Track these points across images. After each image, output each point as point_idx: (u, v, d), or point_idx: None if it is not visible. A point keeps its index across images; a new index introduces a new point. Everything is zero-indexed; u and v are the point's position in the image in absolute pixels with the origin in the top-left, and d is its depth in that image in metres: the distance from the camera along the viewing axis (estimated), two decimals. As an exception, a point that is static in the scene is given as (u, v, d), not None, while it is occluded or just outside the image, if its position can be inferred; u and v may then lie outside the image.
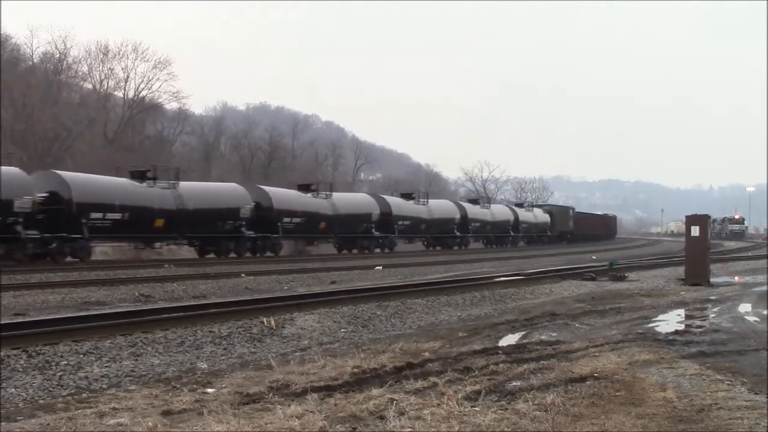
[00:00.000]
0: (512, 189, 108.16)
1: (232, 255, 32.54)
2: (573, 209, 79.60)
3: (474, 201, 59.24)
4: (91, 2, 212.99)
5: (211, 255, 32.48)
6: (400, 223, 43.33)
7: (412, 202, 46.22)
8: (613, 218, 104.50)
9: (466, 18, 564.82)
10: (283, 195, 36.71)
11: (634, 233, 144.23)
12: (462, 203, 55.23)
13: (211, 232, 31.86)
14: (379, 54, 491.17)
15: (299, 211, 36.12)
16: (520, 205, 65.11)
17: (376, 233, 41.18)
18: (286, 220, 35.15)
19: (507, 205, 63.44)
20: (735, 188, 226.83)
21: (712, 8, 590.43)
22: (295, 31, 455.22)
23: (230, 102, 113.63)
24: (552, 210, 70.06)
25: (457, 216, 50.00)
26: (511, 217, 58.11)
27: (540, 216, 64.91)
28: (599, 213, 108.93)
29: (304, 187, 38.87)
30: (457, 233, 49.12)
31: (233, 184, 36.31)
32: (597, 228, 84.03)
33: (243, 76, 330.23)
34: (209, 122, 77.42)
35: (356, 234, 40.57)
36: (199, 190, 32.78)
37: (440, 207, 49.70)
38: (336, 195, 40.30)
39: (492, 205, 58.22)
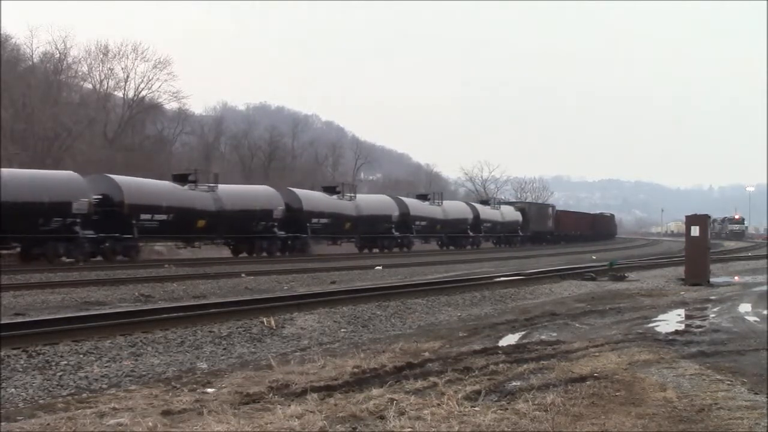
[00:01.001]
0: (512, 189, 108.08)
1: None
2: (553, 207, 74.02)
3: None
4: (91, 2, 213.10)
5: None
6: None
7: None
8: (610, 217, 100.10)
9: (467, 18, 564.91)
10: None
11: (634, 233, 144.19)
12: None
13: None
14: (380, 54, 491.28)
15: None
16: (485, 202, 58.51)
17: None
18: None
19: (466, 202, 56.64)
20: (735, 188, 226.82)
21: (712, 8, 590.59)
22: (295, 31, 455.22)
23: (230, 102, 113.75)
24: (525, 207, 63.54)
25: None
26: (470, 215, 51.85)
27: (509, 214, 58.53)
28: (589, 212, 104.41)
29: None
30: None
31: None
32: (584, 228, 79.21)
33: (243, 76, 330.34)
34: (209, 122, 77.40)
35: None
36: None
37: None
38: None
39: (444, 202, 50.78)
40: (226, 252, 34.92)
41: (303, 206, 36.38)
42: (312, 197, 38.47)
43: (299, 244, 36.14)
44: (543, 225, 64.48)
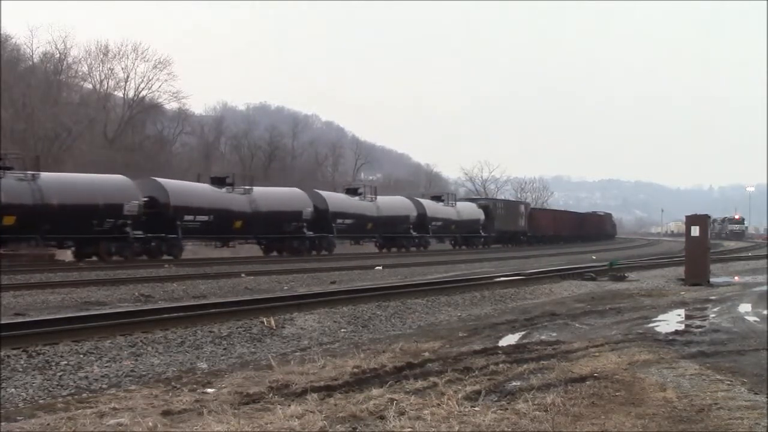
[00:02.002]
0: (512, 189, 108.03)
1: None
2: (526, 204, 68.13)
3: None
4: (91, 2, 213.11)
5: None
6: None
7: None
8: (605, 217, 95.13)
9: (467, 18, 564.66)
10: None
11: (634, 233, 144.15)
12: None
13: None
14: (380, 54, 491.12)
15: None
16: (437, 198, 50.64)
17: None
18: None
19: (409, 197, 48.67)
20: (735, 188, 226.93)
21: (712, 8, 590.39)
22: (295, 31, 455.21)
23: (230, 102, 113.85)
24: (488, 205, 56.20)
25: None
26: (412, 212, 45.24)
27: (468, 211, 51.63)
28: (574, 211, 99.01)
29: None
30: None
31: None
32: (569, 228, 72.58)
33: (243, 76, 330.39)
34: (209, 122, 77.43)
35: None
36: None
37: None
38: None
39: (379, 198, 44.26)
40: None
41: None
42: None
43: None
44: (513, 224, 58.42)
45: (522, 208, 62.69)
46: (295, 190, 38.87)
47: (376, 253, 41.00)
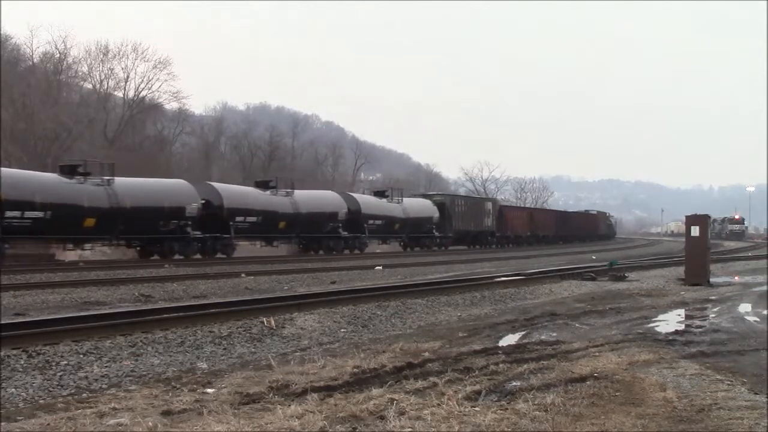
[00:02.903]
0: (512, 189, 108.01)
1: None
2: (494, 201, 61.57)
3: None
4: (91, 2, 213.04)
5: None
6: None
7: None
8: (598, 216, 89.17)
9: (467, 18, 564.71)
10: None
11: (634, 233, 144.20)
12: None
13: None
14: (380, 54, 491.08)
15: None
16: (380, 193, 44.50)
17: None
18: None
19: (341, 192, 43.49)
20: (735, 188, 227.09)
21: (712, 8, 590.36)
22: (295, 31, 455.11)
23: (230, 102, 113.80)
24: (444, 201, 49.13)
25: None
26: (340, 208, 39.10)
27: (417, 209, 45.38)
28: (560, 210, 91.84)
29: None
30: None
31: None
32: (549, 228, 66.93)
33: (243, 76, 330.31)
34: (209, 122, 77.46)
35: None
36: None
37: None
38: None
39: (296, 192, 38.45)
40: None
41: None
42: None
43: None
44: (476, 223, 52.31)
45: (488, 205, 56.61)
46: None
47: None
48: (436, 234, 46.41)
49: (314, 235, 37.49)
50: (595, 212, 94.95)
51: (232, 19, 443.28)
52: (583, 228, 78.94)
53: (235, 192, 34.71)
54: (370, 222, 39.99)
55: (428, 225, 45.87)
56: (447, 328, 10.86)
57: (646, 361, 7.68)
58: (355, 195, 41.15)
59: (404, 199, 40.43)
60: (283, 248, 37.59)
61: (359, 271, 23.32)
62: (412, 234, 44.81)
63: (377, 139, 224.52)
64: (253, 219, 33.56)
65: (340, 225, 38.45)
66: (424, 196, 52.52)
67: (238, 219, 32.87)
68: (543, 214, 72.39)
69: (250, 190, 35.82)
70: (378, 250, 41.26)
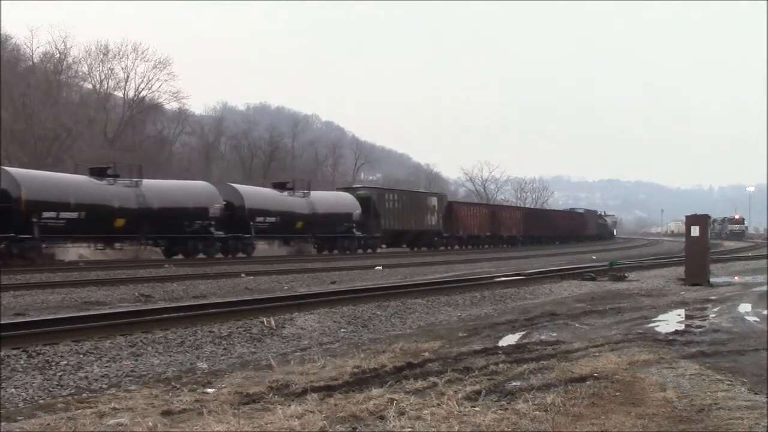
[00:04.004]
0: (512, 189, 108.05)
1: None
2: (440, 196, 53.01)
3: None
4: (91, 2, 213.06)
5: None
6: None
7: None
8: (585, 216, 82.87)
9: (467, 19, 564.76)
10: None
11: (633, 233, 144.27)
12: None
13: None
14: (380, 54, 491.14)
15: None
16: (280, 185, 38.17)
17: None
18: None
19: (224, 184, 37.26)
20: (735, 188, 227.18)
21: (712, 8, 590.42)
22: (295, 31, 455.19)
23: (230, 102, 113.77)
24: (370, 196, 42.84)
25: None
26: (212, 203, 32.78)
27: (328, 204, 39.24)
28: (525, 206, 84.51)
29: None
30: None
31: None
32: (516, 227, 60.94)
33: (243, 76, 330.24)
34: (209, 122, 77.50)
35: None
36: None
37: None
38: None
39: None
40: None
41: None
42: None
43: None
44: (416, 222, 46.40)
45: (432, 201, 49.24)
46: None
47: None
48: (357, 233, 39.95)
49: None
50: (582, 210, 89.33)
51: (232, 19, 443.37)
52: (566, 228, 73.00)
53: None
54: (259, 219, 34.12)
55: (346, 223, 39.64)
56: (447, 328, 10.86)
57: (646, 361, 7.68)
58: (237, 186, 35.44)
59: (314, 192, 38.23)
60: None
61: (359, 271, 23.34)
62: (322, 233, 38.17)
63: (377, 139, 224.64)
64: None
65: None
66: (346, 189, 45.15)
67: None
68: (508, 211, 64.78)
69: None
70: (277, 253, 36.10)
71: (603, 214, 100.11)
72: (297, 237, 37.21)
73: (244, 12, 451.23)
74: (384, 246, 44.13)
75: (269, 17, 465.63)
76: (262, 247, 36.73)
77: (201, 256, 31.47)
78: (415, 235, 47.04)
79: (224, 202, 32.40)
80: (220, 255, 32.11)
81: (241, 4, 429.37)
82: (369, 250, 40.73)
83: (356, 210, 40.46)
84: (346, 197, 41.72)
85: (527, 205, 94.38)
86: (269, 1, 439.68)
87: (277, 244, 37.38)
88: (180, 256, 30.92)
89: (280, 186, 37.48)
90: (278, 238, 36.74)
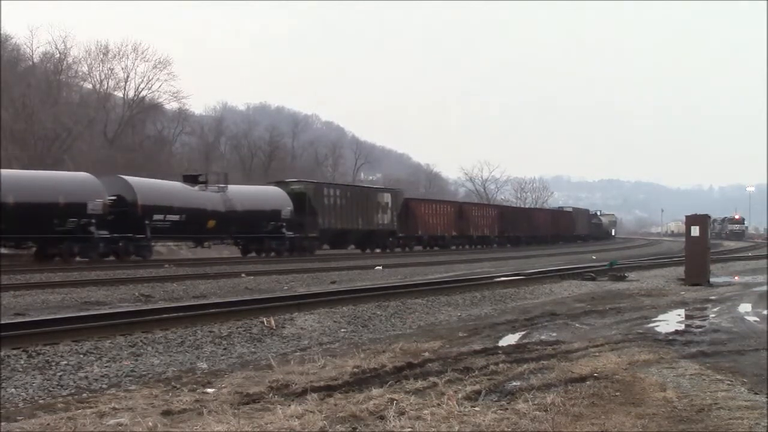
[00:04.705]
0: (512, 189, 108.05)
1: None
2: (395, 192, 48.07)
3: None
4: (91, 2, 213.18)
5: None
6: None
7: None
8: (573, 215, 77.64)
9: (466, 19, 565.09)
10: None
11: (634, 233, 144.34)
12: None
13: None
14: (379, 54, 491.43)
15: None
16: (191, 179, 33.52)
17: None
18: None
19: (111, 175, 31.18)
20: (735, 188, 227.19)
21: (711, 8, 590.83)
22: (295, 31, 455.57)
23: (230, 102, 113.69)
24: (305, 191, 37.86)
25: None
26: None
27: (252, 199, 34.51)
28: (498, 204, 78.08)
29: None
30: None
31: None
32: (487, 227, 56.25)
33: (243, 76, 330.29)
34: (209, 122, 77.50)
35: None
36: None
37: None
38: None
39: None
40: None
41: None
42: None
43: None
44: (364, 221, 41.77)
45: (385, 197, 44.25)
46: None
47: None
48: (288, 234, 35.01)
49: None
50: (570, 209, 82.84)
51: (233, 19, 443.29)
52: (550, 228, 68.56)
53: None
54: (158, 218, 29.58)
55: (273, 221, 34.65)
56: (447, 328, 10.87)
57: (646, 361, 7.68)
58: (128, 178, 30.32)
59: (233, 187, 33.65)
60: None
61: (359, 271, 23.35)
62: (242, 233, 33.86)
63: (377, 139, 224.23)
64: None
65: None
66: (278, 183, 39.43)
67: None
68: (480, 209, 59.78)
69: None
70: (187, 257, 32.53)
71: (598, 213, 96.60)
72: (209, 237, 32.76)
73: (245, 12, 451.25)
74: (326, 247, 40.27)
75: (269, 17, 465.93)
76: (163, 249, 33.99)
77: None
78: (364, 235, 42.39)
79: (113, 198, 28.07)
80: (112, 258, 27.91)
81: (241, 4, 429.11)
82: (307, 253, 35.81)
83: (287, 207, 35.31)
84: (274, 192, 36.52)
85: (527, 206, 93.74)
86: (269, 1, 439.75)
87: (186, 246, 34.00)
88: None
89: (191, 179, 32.74)
90: (185, 239, 32.96)
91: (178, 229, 30.90)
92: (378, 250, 42.48)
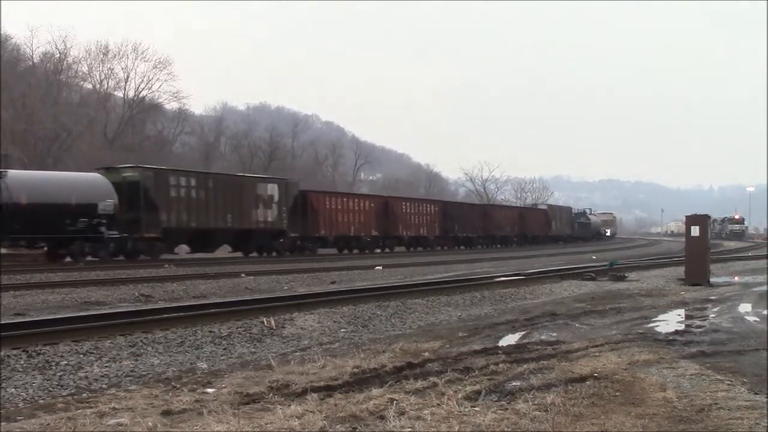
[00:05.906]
0: (512, 189, 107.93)
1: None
2: (287, 184, 37.41)
3: None
4: (91, 2, 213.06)
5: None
6: None
7: None
8: (549, 212, 68.86)
9: (466, 18, 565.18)
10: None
11: (634, 233, 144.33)
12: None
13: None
14: (379, 54, 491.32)
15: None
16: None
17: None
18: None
19: None
20: (735, 188, 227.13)
21: (711, 8, 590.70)
22: (295, 31, 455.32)
23: (230, 102, 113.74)
24: (141, 179, 29.53)
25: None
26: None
27: (46, 190, 26.17)
28: (438, 198, 62.31)
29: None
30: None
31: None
32: (423, 226, 47.34)
33: (243, 76, 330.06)
34: (209, 122, 77.56)
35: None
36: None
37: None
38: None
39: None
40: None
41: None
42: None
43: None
44: (233, 218, 33.35)
45: (269, 189, 35.65)
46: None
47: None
48: (107, 233, 27.05)
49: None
50: (545, 206, 73.22)
51: (233, 19, 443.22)
52: (516, 227, 60.34)
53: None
54: None
55: (85, 218, 26.51)
56: (447, 328, 10.87)
57: (646, 361, 7.68)
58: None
59: (19, 172, 26.33)
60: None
61: (359, 271, 23.36)
62: (30, 233, 25.28)
63: (377, 139, 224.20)
64: None
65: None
66: (107, 169, 30.28)
67: None
68: (413, 204, 48.55)
69: None
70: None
71: (588, 211, 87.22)
72: None
73: (245, 12, 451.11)
74: (176, 252, 32.39)
75: (269, 17, 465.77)
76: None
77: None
78: (237, 236, 34.38)
79: None
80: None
81: (241, 4, 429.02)
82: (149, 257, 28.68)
83: (108, 199, 27.18)
84: (90, 180, 28.21)
85: (527, 205, 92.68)
86: (270, 1, 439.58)
87: None
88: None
89: None
90: None
91: None
92: (266, 255, 35.23)
